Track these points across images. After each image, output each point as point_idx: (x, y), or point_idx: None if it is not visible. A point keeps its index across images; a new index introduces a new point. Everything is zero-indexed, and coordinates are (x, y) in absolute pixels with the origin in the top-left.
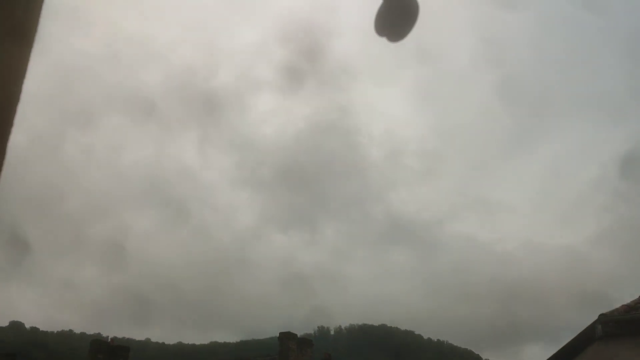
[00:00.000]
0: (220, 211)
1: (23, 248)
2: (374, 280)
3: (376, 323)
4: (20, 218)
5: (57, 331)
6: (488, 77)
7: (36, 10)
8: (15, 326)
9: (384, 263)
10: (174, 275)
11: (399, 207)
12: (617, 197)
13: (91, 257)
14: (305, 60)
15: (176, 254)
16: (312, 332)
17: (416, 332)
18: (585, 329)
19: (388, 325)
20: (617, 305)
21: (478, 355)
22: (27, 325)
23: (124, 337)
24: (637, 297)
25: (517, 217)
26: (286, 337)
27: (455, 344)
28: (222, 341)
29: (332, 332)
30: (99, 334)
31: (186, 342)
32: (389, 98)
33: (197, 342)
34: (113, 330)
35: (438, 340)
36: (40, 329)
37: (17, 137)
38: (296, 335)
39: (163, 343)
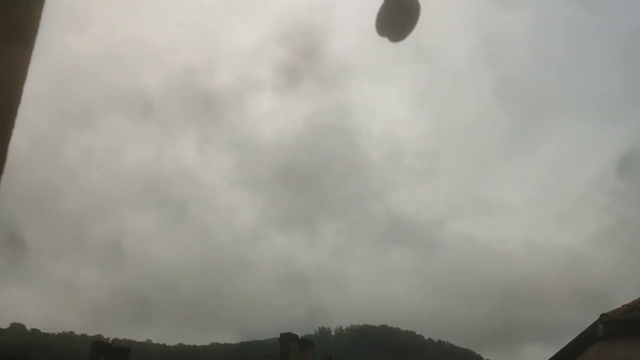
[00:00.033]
0: (220, 211)
1: (23, 249)
2: (374, 281)
3: (377, 324)
4: (21, 219)
5: (58, 333)
6: (487, 77)
7: (37, 10)
8: (16, 328)
9: (384, 263)
10: (174, 275)
11: (399, 207)
12: (616, 197)
13: (92, 258)
14: (304, 59)
15: (176, 254)
16: (313, 332)
17: (417, 333)
18: (586, 329)
19: (389, 325)
20: (618, 305)
21: (479, 355)
22: (28, 327)
23: (124, 339)
24: (638, 296)
25: (517, 217)
26: (287, 338)
27: (455, 344)
28: (223, 342)
29: (333, 333)
30: (100, 335)
31: (187, 344)
32: (388, 97)
33: (198, 343)
34: (114, 331)
35: (439, 340)
36: (41, 331)
37: (17, 137)
38: (297, 336)
39: (164, 344)
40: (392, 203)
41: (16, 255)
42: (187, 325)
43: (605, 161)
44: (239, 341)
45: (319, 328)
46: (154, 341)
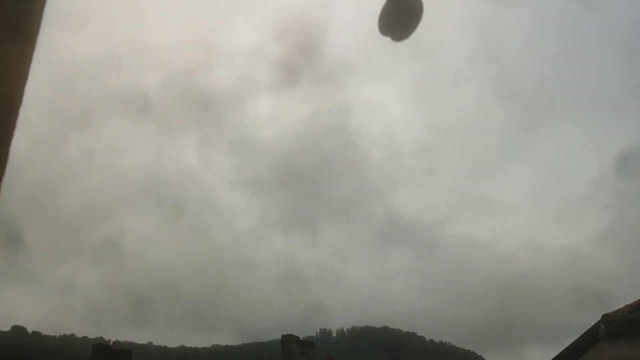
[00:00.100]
0: (220, 212)
1: (24, 251)
2: (375, 282)
3: (378, 325)
4: (21, 221)
5: (59, 335)
6: (485, 75)
7: (38, 10)
8: (18, 330)
9: (384, 264)
10: (174, 277)
11: (399, 207)
12: (616, 196)
13: (93, 260)
14: (303, 58)
15: (177, 255)
16: (314, 334)
17: (418, 334)
18: (588, 329)
19: (390, 326)
20: (618, 304)
21: (480, 356)
22: (29, 330)
23: (126, 341)
24: None
25: (517, 216)
26: (288, 340)
27: (457, 345)
28: (224, 344)
29: (334, 334)
30: (101, 337)
31: (188, 345)
32: (387, 96)
33: (199, 345)
34: (115, 333)
35: (440, 341)
36: (43, 333)
37: (18, 138)
38: (298, 337)
39: (165, 346)
40: (392, 203)
41: (17, 258)
42: (188, 327)
43: (605, 160)
44: (240, 343)
45: (320, 329)
46: (155, 343)
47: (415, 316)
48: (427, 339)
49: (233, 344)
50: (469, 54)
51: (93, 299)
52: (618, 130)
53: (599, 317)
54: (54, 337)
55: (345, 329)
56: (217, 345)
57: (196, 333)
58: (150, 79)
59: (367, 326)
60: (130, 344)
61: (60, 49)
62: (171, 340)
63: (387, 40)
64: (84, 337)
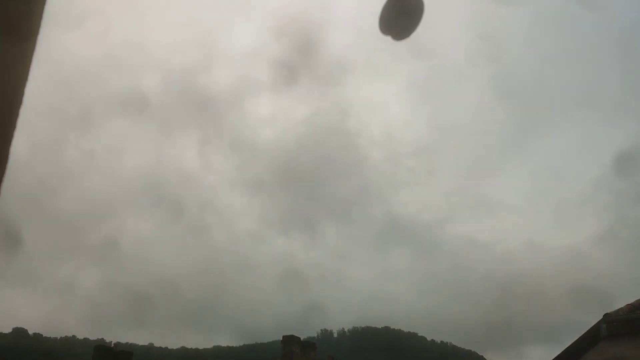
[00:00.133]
0: (220, 214)
1: (25, 253)
2: (375, 282)
3: (379, 325)
4: (21, 222)
5: (61, 337)
6: (485, 73)
7: (38, 9)
8: (19, 332)
9: (385, 264)
10: (175, 278)
11: (400, 207)
12: (617, 196)
13: (93, 262)
14: (302, 57)
15: (178, 256)
16: (315, 335)
17: (419, 334)
18: (590, 329)
19: (391, 327)
20: (619, 303)
21: (481, 356)
22: (30, 332)
23: (127, 342)
24: None
25: (517, 216)
26: (289, 341)
27: (458, 345)
28: (226, 345)
29: (335, 335)
30: (102, 339)
31: (189, 347)
32: (387, 96)
33: (201, 347)
34: (116, 335)
35: (441, 341)
36: (44, 335)
37: (17, 139)
38: (299, 338)
39: (166, 348)
40: (392, 203)
41: (17, 259)
42: (189, 329)
43: (605, 159)
44: (242, 344)
45: (321, 330)
46: (157, 344)
47: (415, 316)
48: (428, 339)
49: (234, 345)
50: (469, 53)
51: (94, 300)
52: (618, 129)
53: (600, 317)
54: (55, 338)
55: (346, 330)
56: (218, 346)
57: (197, 334)
58: (149, 79)
59: (368, 326)
60: (132, 345)
61: (60, 50)
62: (172, 342)
63: (388, 39)
64: (85, 339)
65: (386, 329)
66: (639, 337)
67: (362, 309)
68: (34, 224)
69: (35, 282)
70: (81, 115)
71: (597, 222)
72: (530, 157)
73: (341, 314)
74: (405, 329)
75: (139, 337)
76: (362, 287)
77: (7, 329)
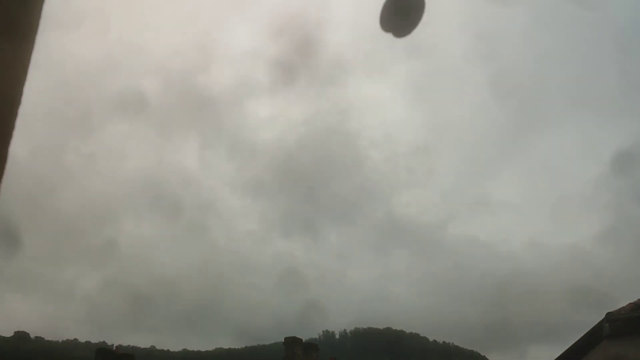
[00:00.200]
0: (221, 216)
1: (24, 255)
2: (377, 283)
3: (381, 326)
4: (22, 225)
5: (62, 340)
6: (485, 72)
7: (36, 9)
8: (20, 336)
9: (387, 265)
10: (177, 281)
11: (401, 208)
12: (617, 195)
13: (94, 264)
14: (301, 58)
15: (178, 258)
16: (317, 336)
17: (421, 335)
18: (592, 328)
19: (393, 328)
20: (622, 303)
21: (484, 356)
22: (32, 335)
23: (129, 345)
24: None
25: (519, 216)
26: (291, 342)
27: (460, 346)
28: (227, 347)
29: (337, 336)
30: (104, 342)
31: (191, 349)
32: (386, 96)
33: (202, 349)
34: (118, 338)
35: (444, 342)
36: (45, 339)
37: (17, 140)
38: (301, 339)
39: (168, 350)
40: (392, 204)
41: (18, 262)
42: (191, 331)
43: (604, 158)
44: (243, 346)
45: (323, 331)
46: (158, 347)
47: (417, 317)
48: (430, 339)
49: (236, 347)
50: (468, 53)
51: (95, 303)
52: (617, 128)
53: (601, 316)
54: (57, 342)
55: (348, 331)
56: (220, 349)
57: (198, 336)
58: (149, 80)
59: (369, 327)
60: (133, 348)
61: (59, 51)
62: (174, 344)
63: (388, 36)
64: (87, 342)
65: (388, 330)
66: None
67: (363, 309)
68: (34, 226)
69: (36, 284)
70: (80, 117)
71: (597, 221)
72: (529, 156)
73: (343, 315)
74: (407, 330)
75: (141, 340)
76: (363, 287)
77: (9, 333)
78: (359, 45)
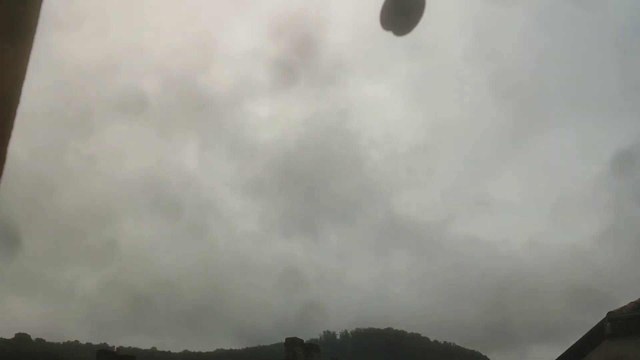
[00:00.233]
0: (221, 216)
1: (25, 257)
2: (377, 283)
3: (382, 326)
4: (21, 226)
5: (63, 342)
6: (484, 72)
7: (35, 8)
8: (21, 338)
9: (387, 265)
10: (177, 282)
11: (401, 208)
12: (617, 195)
13: (94, 266)
14: (301, 58)
15: (178, 259)
16: (318, 337)
17: (422, 335)
18: (593, 328)
19: (394, 328)
20: (621, 303)
21: (485, 356)
22: (33, 337)
23: (130, 347)
24: None
25: (519, 216)
26: (292, 343)
27: (461, 346)
28: (228, 348)
29: (338, 337)
30: (105, 343)
31: (192, 350)
32: (386, 96)
33: (203, 350)
34: (119, 339)
35: (444, 342)
36: (46, 340)
37: (16, 141)
38: (302, 340)
39: (169, 351)
40: (393, 204)
41: (18, 263)
42: (191, 332)
43: (604, 158)
44: (244, 346)
45: (324, 332)
46: (159, 348)
47: (417, 317)
48: (431, 339)
49: (237, 348)
50: (468, 53)
51: (95, 304)
52: (617, 128)
53: (602, 315)
54: (58, 343)
55: (349, 331)
56: (221, 350)
57: (199, 337)
58: (148, 80)
59: (370, 328)
60: (134, 349)
61: (59, 51)
62: (174, 345)
63: (389, 35)
64: (88, 344)
65: (389, 330)
66: None
67: (364, 309)
68: (34, 227)
69: (36, 285)
70: (80, 117)
71: (597, 221)
72: (529, 156)
73: (342, 315)
74: (408, 330)
75: (141, 341)
76: (363, 287)
77: (10, 335)
78: (359, 45)
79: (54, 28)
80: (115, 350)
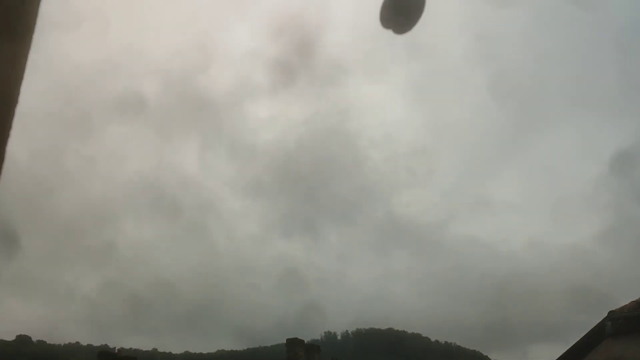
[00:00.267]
0: (221, 217)
1: (25, 258)
2: (378, 284)
3: (383, 327)
4: (21, 227)
5: (64, 344)
6: (483, 73)
7: (33, 8)
8: (22, 340)
9: (388, 266)
10: (178, 283)
11: (401, 209)
12: (617, 195)
13: (94, 267)
14: (301, 59)
15: (178, 259)
16: (319, 337)
17: (423, 335)
18: (594, 327)
19: (395, 328)
20: (621, 302)
21: (486, 356)
22: (34, 339)
23: (130, 348)
24: None
25: (519, 216)
26: (293, 343)
27: (462, 346)
28: (229, 349)
29: (339, 337)
30: (106, 345)
31: (193, 351)
32: (386, 96)
33: (204, 351)
34: (120, 341)
35: (445, 342)
36: (47, 342)
37: (15, 142)
38: (303, 341)
39: (170, 353)
40: (393, 204)
41: (18, 265)
42: (191, 332)
43: (604, 158)
44: (245, 347)
45: (325, 332)
46: (160, 350)
47: (418, 317)
48: (432, 339)
49: (237, 349)
50: (467, 53)
51: (95, 305)
52: (616, 128)
53: (602, 315)
54: (59, 345)
55: (349, 332)
56: (222, 351)
57: (200, 338)
58: (148, 81)
59: (371, 328)
60: (135, 350)
61: (58, 52)
62: (175, 346)
63: (388, 34)
64: (89, 345)
65: (390, 330)
66: None
67: (364, 310)
68: (33, 228)
69: (37, 287)
70: (80, 118)
71: (597, 221)
72: (529, 156)
73: (343, 315)
74: (409, 330)
75: (142, 342)
76: (363, 287)
77: (11, 337)
78: (359, 45)
79: (53, 28)
80: (116, 351)
